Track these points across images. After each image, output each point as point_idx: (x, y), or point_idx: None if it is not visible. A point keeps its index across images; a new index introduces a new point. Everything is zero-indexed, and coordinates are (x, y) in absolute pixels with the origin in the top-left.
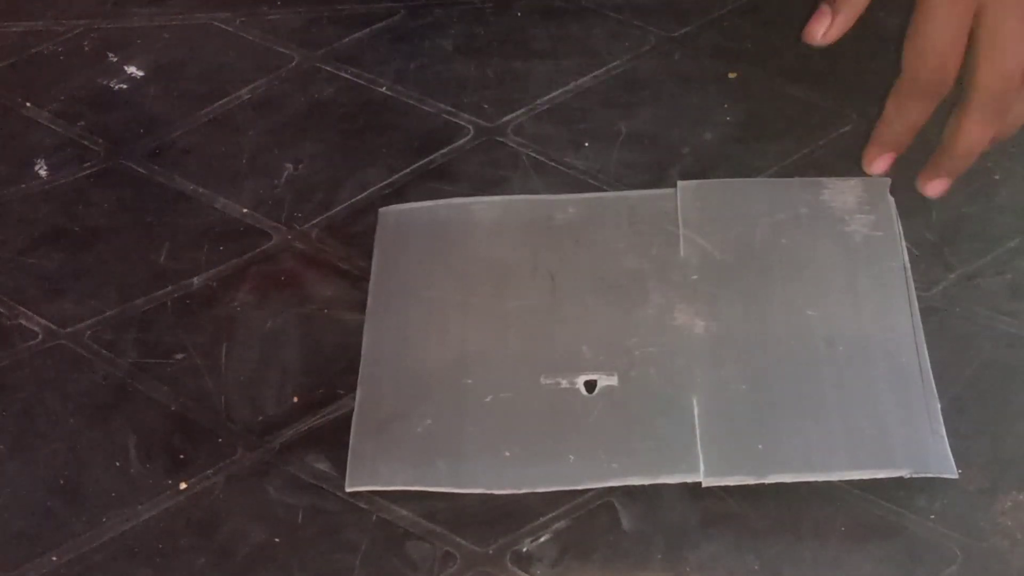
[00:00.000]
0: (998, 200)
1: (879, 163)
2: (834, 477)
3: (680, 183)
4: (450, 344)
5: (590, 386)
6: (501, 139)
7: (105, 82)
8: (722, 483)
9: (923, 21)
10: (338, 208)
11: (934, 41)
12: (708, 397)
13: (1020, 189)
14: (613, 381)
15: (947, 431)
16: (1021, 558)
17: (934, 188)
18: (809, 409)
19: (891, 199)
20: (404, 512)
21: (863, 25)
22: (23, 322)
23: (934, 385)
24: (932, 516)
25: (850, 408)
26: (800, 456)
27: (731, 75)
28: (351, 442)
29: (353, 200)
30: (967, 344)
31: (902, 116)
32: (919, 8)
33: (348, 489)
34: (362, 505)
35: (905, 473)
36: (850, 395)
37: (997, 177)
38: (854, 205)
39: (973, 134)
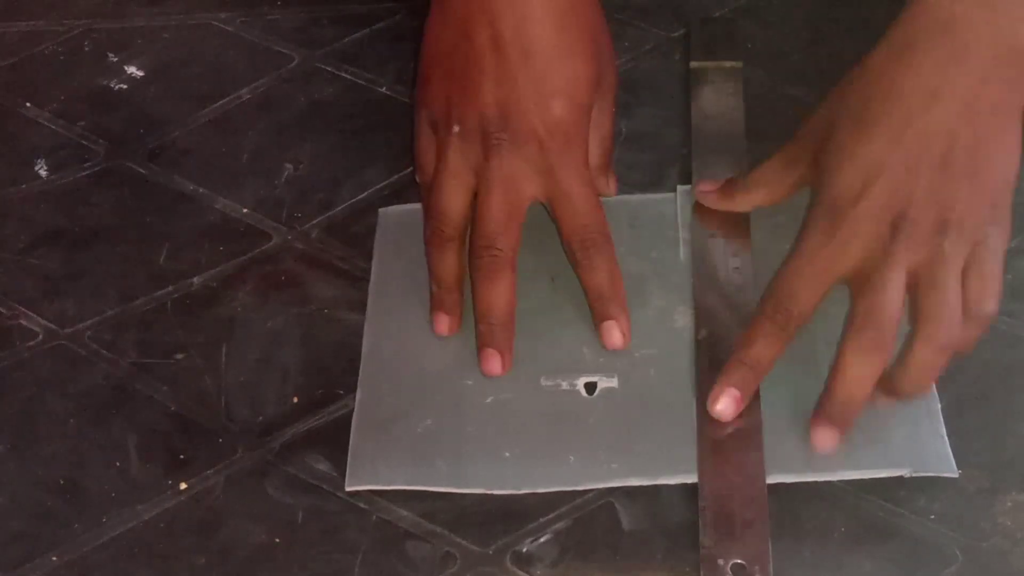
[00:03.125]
0: None
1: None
2: (834, 477)
3: (679, 187)
4: (450, 344)
5: (590, 387)
6: None
7: (105, 82)
8: None
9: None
10: (338, 208)
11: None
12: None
13: (1020, 189)
14: (613, 383)
15: (947, 431)
16: (1021, 558)
17: (823, 440)
18: (809, 409)
19: None
20: (404, 512)
21: (863, 25)
22: (23, 322)
23: (934, 385)
24: (932, 516)
25: None
26: (800, 456)
27: None
28: (351, 442)
29: (353, 200)
30: None
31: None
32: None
33: (348, 489)
34: (362, 505)
35: (905, 472)
36: None
37: None
38: None
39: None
